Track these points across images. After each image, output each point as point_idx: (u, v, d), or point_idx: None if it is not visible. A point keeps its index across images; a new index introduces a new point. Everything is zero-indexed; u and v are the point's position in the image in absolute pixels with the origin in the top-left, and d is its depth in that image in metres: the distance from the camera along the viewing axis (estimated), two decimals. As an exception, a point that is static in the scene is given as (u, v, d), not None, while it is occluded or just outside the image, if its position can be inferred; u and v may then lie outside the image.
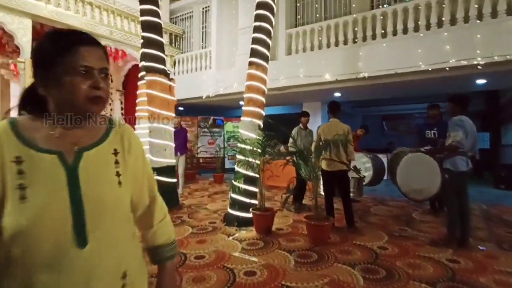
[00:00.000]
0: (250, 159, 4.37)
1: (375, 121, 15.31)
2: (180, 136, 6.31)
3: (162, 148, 5.41)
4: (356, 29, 7.23)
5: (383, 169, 6.18)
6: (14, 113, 0.91)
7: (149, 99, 5.48)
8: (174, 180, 5.62)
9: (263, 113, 4.82)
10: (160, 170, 5.38)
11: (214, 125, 11.48)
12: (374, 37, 6.90)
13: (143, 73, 6.11)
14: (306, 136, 5.59)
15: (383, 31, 6.85)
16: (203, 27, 11.17)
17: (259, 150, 4.30)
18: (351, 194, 5.37)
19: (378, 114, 15.12)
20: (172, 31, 11.09)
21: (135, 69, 11.33)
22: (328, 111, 4.71)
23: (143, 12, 5.36)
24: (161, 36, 5.55)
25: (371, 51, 6.76)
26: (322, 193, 4.94)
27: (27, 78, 7.52)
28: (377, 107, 13.59)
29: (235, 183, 4.57)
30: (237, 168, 4.63)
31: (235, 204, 4.55)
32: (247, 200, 4.49)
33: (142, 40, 5.69)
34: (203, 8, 11.08)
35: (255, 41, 4.86)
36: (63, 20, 8.03)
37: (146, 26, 5.37)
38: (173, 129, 5.66)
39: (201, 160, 11.32)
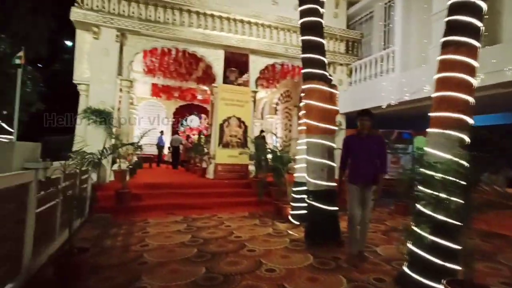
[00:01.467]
0: (443, 195, 2.66)
1: None
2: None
3: (319, 167, 4.49)
4: None
5: None
6: None
7: (306, 110, 4.74)
8: (335, 208, 4.52)
9: (470, 122, 2.96)
10: (316, 195, 4.48)
11: (399, 140, 9.37)
12: None
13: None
14: None
15: None
16: (384, 25, 9.52)
17: (461, 182, 2.54)
18: None
19: None
20: (349, 38, 10.15)
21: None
22: None
23: (302, 14, 4.75)
24: (322, 37, 4.73)
25: None
26: None
27: (219, 101, 8.72)
28: None
29: (416, 229, 2.95)
30: (419, 207, 3.00)
31: (415, 262, 2.93)
32: (438, 261, 2.76)
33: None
34: (385, 4, 9.46)
35: (454, 9, 3.12)
36: (246, 46, 8.83)
37: (304, 28, 4.72)
38: (333, 145, 4.63)
39: (381, 182, 9.46)
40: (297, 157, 5.96)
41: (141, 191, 6.71)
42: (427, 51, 7.18)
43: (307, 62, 4.68)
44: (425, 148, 3.18)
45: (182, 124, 17.62)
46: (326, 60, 4.76)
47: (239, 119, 8.72)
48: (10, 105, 7.85)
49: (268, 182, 7.26)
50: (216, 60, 8.70)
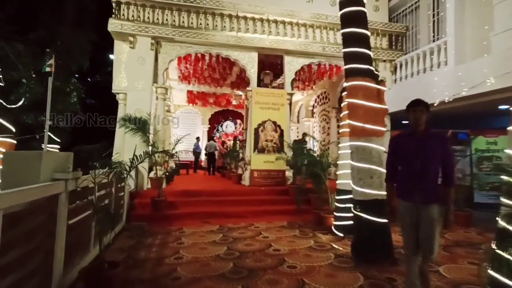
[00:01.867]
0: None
1: None
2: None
3: (367, 174, 3.98)
4: None
5: None
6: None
7: (350, 110, 4.26)
8: (386, 220, 3.97)
9: None
10: (364, 205, 3.96)
11: (454, 141, 8.37)
12: None
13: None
14: None
15: None
16: (433, 15, 8.64)
17: None
18: None
19: None
20: (392, 32, 9.38)
21: (350, 83, 10.58)
22: None
23: (343, 4, 4.30)
24: (366, 28, 4.24)
25: None
26: None
27: (254, 104, 8.45)
28: None
29: (500, 253, 2.36)
30: (504, 224, 2.40)
31: (500, 293, 2.34)
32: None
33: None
34: (433, -8, 8.60)
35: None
36: (281, 46, 8.49)
37: (346, 19, 4.27)
38: (383, 148, 4.09)
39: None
40: (339, 162, 5.45)
41: (177, 199, 6.61)
42: (488, 39, 6.29)
43: (350, 57, 4.21)
44: (507, 150, 2.58)
45: (217, 130, 17.69)
46: (371, 54, 4.25)
47: (274, 122, 8.37)
48: (54, 116, 8.35)
49: (308, 189, 6.80)
50: (250, 63, 8.46)
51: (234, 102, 14.59)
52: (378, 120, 4.11)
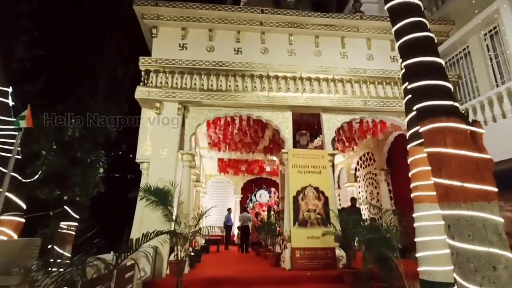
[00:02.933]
0: None
1: None
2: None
3: (486, 263, 2.48)
4: None
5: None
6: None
7: (434, 165, 2.98)
8: None
9: None
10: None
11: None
12: None
13: (414, 129, 3.85)
14: None
15: None
16: (491, 58, 7.60)
17: None
18: None
19: None
20: (441, 81, 8.34)
21: (400, 140, 9.24)
22: None
23: (400, 32, 3.41)
24: (437, 55, 3.23)
25: None
26: None
27: (291, 169, 7.35)
28: None
29: None
30: None
31: None
32: None
33: (403, 88, 3.71)
34: (485, 34, 7.72)
35: None
36: (317, 103, 7.70)
37: (407, 48, 3.32)
38: (501, 220, 2.64)
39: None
40: (417, 239, 3.91)
41: (200, 290, 5.20)
42: None
43: (421, 93, 3.12)
44: None
45: (250, 200, 16.44)
46: (451, 87, 3.15)
47: (316, 189, 7.07)
48: (72, 190, 7.89)
49: (371, 274, 5.09)
50: (284, 123, 7.64)
51: (267, 169, 13.60)
52: (483, 176, 2.77)
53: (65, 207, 6.63)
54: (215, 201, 16.12)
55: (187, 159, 7.09)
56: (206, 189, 15.75)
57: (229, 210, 13.24)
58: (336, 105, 7.70)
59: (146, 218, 6.11)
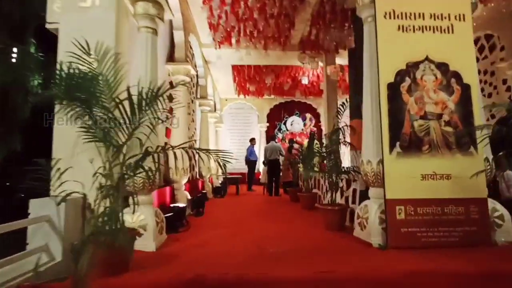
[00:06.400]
0: None
1: None
2: None
3: None
4: None
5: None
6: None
7: None
8: None
9: None
10: None
11: None
12: None
13: None
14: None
15: None
16: None
17: None
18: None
19: None
20: None
21: None
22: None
23: None
24: None
25: None
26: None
27: (381, 18, 3.27)
28: None
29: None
30: None
31: None
32: None
33: None
34: None
35: None
36: None
37: None
38: None
39: None
40: None
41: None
42: None
43: None
44: None
45: (279, 130, 12.83)
46: None
47: (443, 66, 3.08)
48: None
49: None
50: None
51: (304, 80, 9.45)
52: None
53: None
54: (234, 133, 12.82)
55: (143, 11, 3.23)
56: (223, 118, 12.33)
57: (252, 141, 9.76)
58: None
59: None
